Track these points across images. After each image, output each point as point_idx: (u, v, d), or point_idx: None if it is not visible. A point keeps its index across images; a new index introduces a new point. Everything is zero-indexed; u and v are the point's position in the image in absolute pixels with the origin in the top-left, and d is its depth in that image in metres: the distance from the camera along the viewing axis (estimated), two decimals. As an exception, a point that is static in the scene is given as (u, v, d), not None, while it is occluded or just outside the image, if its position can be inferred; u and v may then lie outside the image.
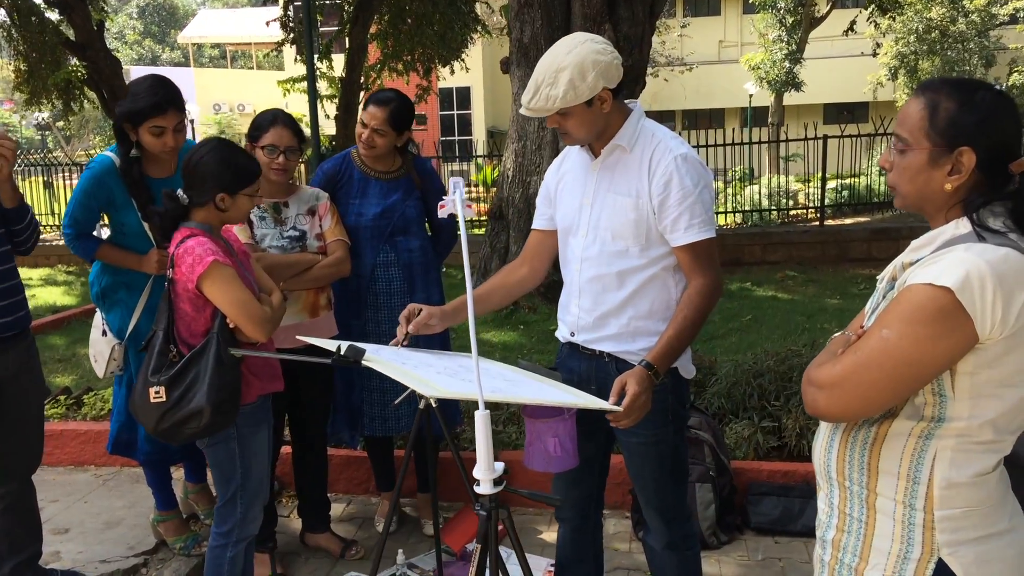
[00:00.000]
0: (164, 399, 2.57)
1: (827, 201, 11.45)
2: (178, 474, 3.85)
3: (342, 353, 2.22)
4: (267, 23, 16.40)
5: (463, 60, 14.60)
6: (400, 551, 3.42)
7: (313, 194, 3.38)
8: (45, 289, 9.27)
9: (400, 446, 4.02)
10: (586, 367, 2.55)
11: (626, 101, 2.48)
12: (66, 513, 3.83)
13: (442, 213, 2.11)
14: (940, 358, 1.53)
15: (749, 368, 4.22)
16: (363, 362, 2.19)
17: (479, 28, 14.28)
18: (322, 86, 15.19)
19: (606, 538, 3.68)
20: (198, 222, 2.66)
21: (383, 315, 3.53)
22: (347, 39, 13.47)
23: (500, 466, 1.92)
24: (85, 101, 13.14)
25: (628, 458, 2.58)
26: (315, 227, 3.32)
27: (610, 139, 2.40)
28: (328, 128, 15.55)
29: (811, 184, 12.42)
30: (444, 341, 3.68)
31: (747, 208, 11.93)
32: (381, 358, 2.28)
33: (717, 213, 11.72)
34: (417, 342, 3.50)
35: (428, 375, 2.15)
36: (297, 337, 2.54)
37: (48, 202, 13.64)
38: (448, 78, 15.89)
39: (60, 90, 12.70)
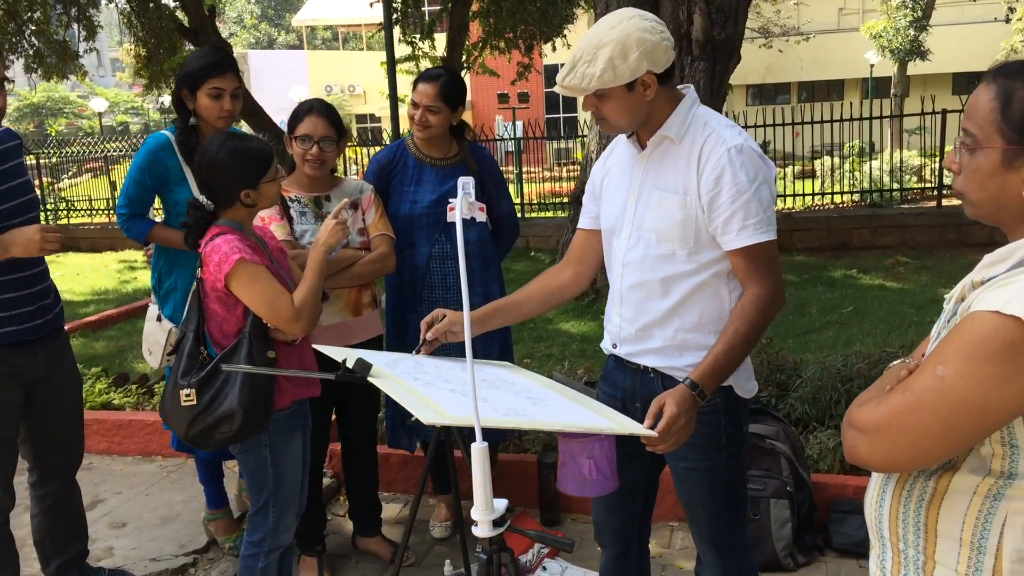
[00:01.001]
0: (195, 402, 2.49)
1: (947, 180, 10.63)
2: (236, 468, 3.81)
3: (350, 367, 2.05)
4: (371, 4, 16.53)
5: (565, 36, 14.33)
6: (448, 562, 3.26)
7: (357, 187, 3.24)
8: (147, 272, 9.57)
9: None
10: (630, 382, 2.31)
11: (680, 87, 2.22)
12: (126, 506, 3.84)
13: (451, 216, 1.92)
14: (1008, 404, 1.24)
15: (837, 371, 3.86)
16: (369, 378, 2.02)
17: (582, 3, 13.97)
18: (424, 66, 15.22)
19: (671, 554, 3.44)
20: (227, 219, 2.55)
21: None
22: (448, 18, 13.41)
23: (502, 504, 1.71)
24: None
25: (677, 484, 2.34)
26: (358, 221, 3.17)
27: (657, 129, 2.14)
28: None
29: (935, 160, 11.59)
30: (504, 337, 3.50)
31: (858, 188, 11.23)
32: (393, 373, 2.10)
33: (828, 193, 11.10)
34: (475, 342, 3.35)
35: (438, 395, 1.96)
36: (313, 346, 2.39)
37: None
38: (551, 55, 15.64)
39: (176, 75, 13.14)
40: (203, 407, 2.48)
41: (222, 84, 3.09)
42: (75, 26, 13.72)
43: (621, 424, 2.01)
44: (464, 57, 14.58)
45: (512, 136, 13.42)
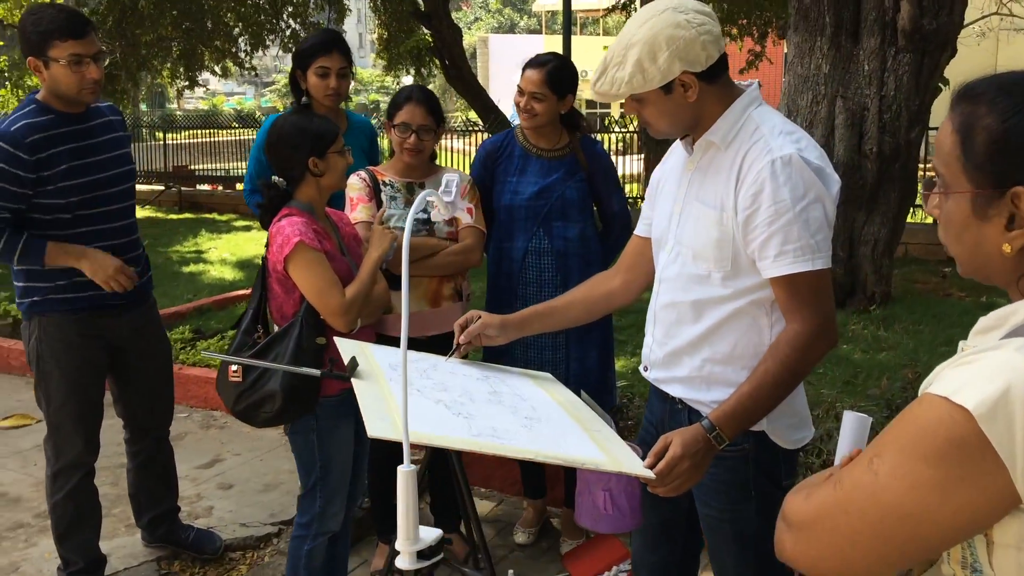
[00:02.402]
0: (241, 379, 2.53)
1: None
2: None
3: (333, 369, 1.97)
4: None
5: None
6: (511, 572, 3.13)
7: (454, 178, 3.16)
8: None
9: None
10: (660, 411, 2.10)
11: (743, 83, 1.95)
12: (239, 469, 4.02)
13: (435, 216, 1.78)
14: (951, 518, 0.96)
15: None
16: (353, 379, 1.93)
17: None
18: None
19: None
20: (299, 201, 2.58)
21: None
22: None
23: (431, 534, 1.56)
24: (434, 67, 14.21)
25: (703, 529, 2.09)
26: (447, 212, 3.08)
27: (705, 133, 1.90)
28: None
29: None
30: (604, 342, 3.29)
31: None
32: (387, 375, 2.00)
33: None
34: (567, 336, 3.18)
35: (414, 406, 1.83)
36: (335, 339, 2.33)
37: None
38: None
39: (412, 57, 13.88)
40: (248, 384, 2.51)
41: (328, 63, 3.17)
42: (327, 9, 14.75)
43: (616, 460, 1.80)
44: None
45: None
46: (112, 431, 3.24)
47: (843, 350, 5.33)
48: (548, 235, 3.17)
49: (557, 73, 3.08)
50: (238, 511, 3.62)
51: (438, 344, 2.89)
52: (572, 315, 2.29)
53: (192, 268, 8.07)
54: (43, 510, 3.58)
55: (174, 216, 11.78)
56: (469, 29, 43.88)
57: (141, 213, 11.92)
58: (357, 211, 2.99)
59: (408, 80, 26.92)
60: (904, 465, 0.97)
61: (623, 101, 1.93)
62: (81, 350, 2.84)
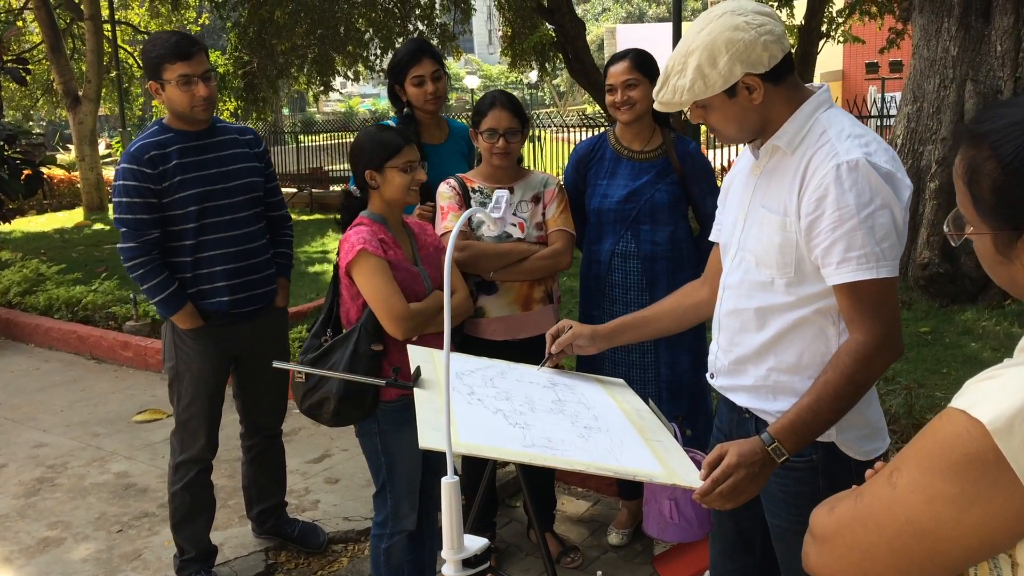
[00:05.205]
0: (303, 379, 2.64)
1: None
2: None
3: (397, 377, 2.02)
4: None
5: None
6: (599, 573, 3.13)
7: (542, 180, 3.18)
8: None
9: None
10: (728, 420, 2.07)
11: (812, 85, 1.91)
12: (347, 464, 4.18)
13: (488, 232, 1.79)
14: (969, 533, 0.94)
15: None
16: (415, 388, 1.98)
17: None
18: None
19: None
20: (371, 211, 2.67)
21: (619, 309, 3.21)
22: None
23: (476, 543, 1.58)
24: (558, 62, 14.28)
25: (772, 540, 2.04)
26: (536, 215, 3.10)
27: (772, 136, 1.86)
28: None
29: None
30: (694, 343, 3.23)
31: None
32: (451, 383, 2.04)
33: None
34: (656, 340, 3.13)
35: (471, 416, 1.87)
36: (408, 346, 2.38)
37: (535, 156, 14.57)
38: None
39: (536, 53, 14.01)
40: (310, 386, 2.62)
41: (420, 71, 3.26)
42: (452, 10, 15.06)
43: (673, 472, 1.78)
44: (825, 25, 13.77)
45: (880, 112, 12.25)
46: (233, 427, 3.45)
47: (971, 348, 5.05)
48: (635, 238, 3.15)
49: (641, 57, 3.11)
50: (342, 505, 3.77)
51: (531, 347, 2.92)
52: (662, 326, 2.26)
53: (317, 268, 8.41)
54: (166, 501, 3.84)
55: (305, 217, 12.29)
56: (597, 20, 43.60)
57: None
58: (448, 220, 3.03)
59: (533, 76, 27.17)
60: (921, 479, 0.95)
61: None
62: (206, 355, 3.04)
